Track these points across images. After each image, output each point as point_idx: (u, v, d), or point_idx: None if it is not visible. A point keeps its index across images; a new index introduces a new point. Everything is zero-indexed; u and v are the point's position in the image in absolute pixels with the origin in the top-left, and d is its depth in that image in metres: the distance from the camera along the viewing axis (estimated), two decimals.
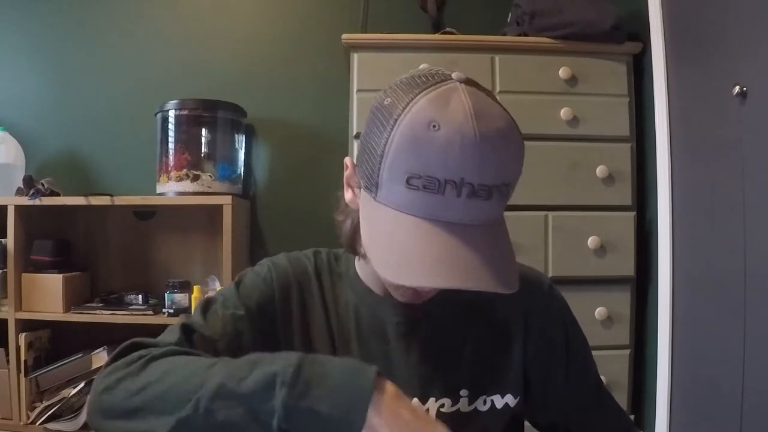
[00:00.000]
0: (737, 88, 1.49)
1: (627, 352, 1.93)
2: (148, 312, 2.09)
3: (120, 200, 2.11)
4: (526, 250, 1.88)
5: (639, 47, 1.99)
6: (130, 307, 2.11)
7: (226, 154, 2.24)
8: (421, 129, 0.62)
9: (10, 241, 2.06)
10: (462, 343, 0.82)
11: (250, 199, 2.40)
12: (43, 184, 2.07)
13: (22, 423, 2.02)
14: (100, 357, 2.09)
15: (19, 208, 2.07)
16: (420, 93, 0.64)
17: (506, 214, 0.69)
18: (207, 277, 2.18)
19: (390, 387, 0.60)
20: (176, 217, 2.32)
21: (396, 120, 0.63)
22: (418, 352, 0.80)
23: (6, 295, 2.06)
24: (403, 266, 0.63)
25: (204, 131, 2.21)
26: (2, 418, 2.04)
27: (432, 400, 0.79)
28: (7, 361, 2.03)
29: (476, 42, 1.98)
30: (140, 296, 2.14)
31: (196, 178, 2.14)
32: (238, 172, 2.29)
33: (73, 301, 2.12)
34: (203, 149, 2.20)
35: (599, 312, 1.90)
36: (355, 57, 1.96)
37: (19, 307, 2.07)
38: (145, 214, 2.34)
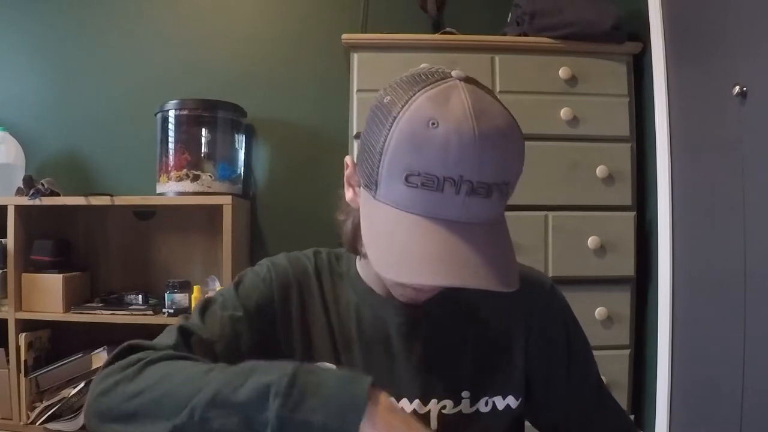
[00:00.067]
0: (737, 88, 1.49)
1: (627, 352, 1.93)
2: (148, 312, 2.09)
3: (120, 200, 2.11)
4: (526, 250, 1.88)
5: (639, 47, 1.99)
6: (130, 307, 2.11)
7: (226, 154, 2.24)
8: (420, 126, 0.62)
9: (10, 241, 2.06)
10: (464, 344, 0.82)
11: (250, 199, 2.40)
12: (43, 184, 2.07)
13: (22, 423, 2.02)
14: (100, 357, 2.09)
15: (19, 208, 2.07)
16: (419, 91, 0.64)
17: (506, 214, 0.69)
18: (207, 277, 2.18)
19: (384, 398, 0.60)
20: (176, 217, 2.32)
21: (395, 118, 0.63)
22: (419, 353, 0.80)
23: (6, 295, 2.06)
24: (403, 264, 0.63)
25: (204, 131, 2.21)
26: (2, 418, 2.04)
27: (434, 401, 0.79)
28: (7, 361, 2.03)
29: (476, 42, 1.98)
30: (140, 296, 2.14)
31: (196, 178, 2.14)
32: (238, 172, 2.29)
33: (73, 301, 2.12)
34: (203, 149, 2.20)
35: (599, 312, 1.90)
36: (355, 57, 1.96)
37: (19, 307, 2.07)
38: (145, 214, 2.34)
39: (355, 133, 1.93)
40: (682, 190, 1.82)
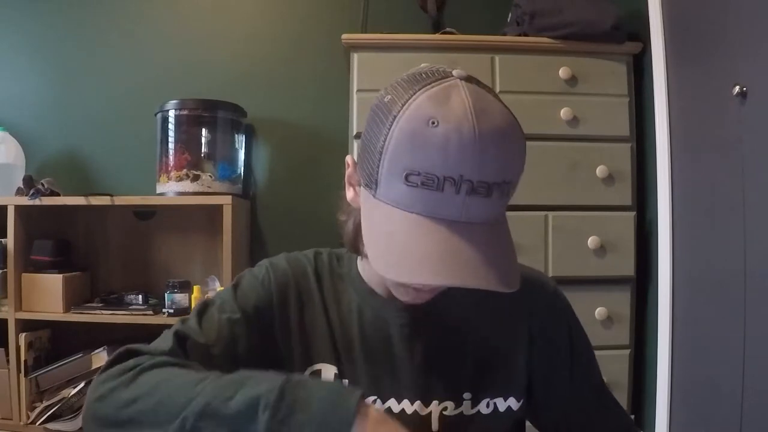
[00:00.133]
0: (737, 88, 1.49)
1: (627, 352, 1.93)
2: (148, 312, 2.09)
3: (120, 200, 2.11)
4: (526, 250, 1.88)
5: (639, 47, 1.99)
6: (130, 307, 2.11)
7: (226, 154, 2.24)
8: (419, 125, 0.61)
9: (10, 241, 2.06)
10: (465, 345, 0.81)
11: (250, 199, 2.40)
12: (43, 184, 2.07)
13: (22, 423, 2.02)
14: (100, 357, 2.09)
15: (19, 208, 2.07)
16: (420, 90, 0.64)
17: (507, 214, 0.69)
18: (207, 277, 2.18)
19: (373, 412, 0.60)
20: (176, 217, 2.32)
21: (395, 116, 0.63)
22: (421, 354, 0.80)
23: (6, 295, 2.06)
24: (403, 264, 0.62)
25: (204, 131, 2.21)
26: (2, 418, 2.04)
27: (435, 402, 0.79)
28: (7, 361, 2.03)
29: (476, 42, 1.98)
30: (140, 296, 2.14)
31: (196, 178, 2.14)
32: (238, 172, 2.29)
33: (73, 301, 2.12)
34: (203, 149, 2.20)
35: (599, 312, 1.90)
36: (355, 57, 1.96)
37: (19, 307, 2.07)
38: (145, 214, 2.34)
39: (355, 133, 1.93)
40: (682, 190, 1.82)
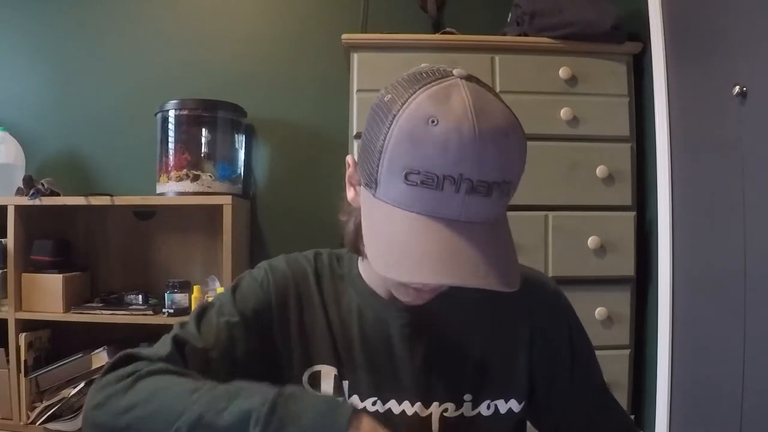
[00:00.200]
0: (737, 88, 1.49)
1: (627, 352, 1.93)
2: (148, 312, 2.09)
3: (120, 200, 2.11)
4: (526, 250, 1.88)
5: (639, 47, 1.99)
6: (130, 307, 2.11)
7: (226, 154, 2.24)
8: (419, 124, 0.61)
9: (10, 241, 2.06)
10: (466, 347, 0.81)
11: (250, 199, 2.40)
12: (43, 184, 2.07)
13: (22, 423, 2.02)
14: (100, 357, 2.09)
15: (19, 208, 2.07)
16: (420, 89, 0.64)
17: (507, 214, 0.69)
18: (207, 277, 2.18)
19: (366, 423, 0.60)
20: (176, 217, 2.32)
21: (395, 115, 0.63)
22: (422, 355, 0.79)
23: (6, 295, 2.06)
24: (403, 264, 0.62)
25: (204, 131, 2.21)
26: (2, 418, 2.04)
27: (435, 404, 0.79)
28: (7, 361, 2.03)
29: (476, 42, 1.98)
30: (140, 296, 2.14)
31: (196, 178, 2.14)
32: (238, 172, 2.29)
33: (73, 301, 2.12)
34: (203, 149, 2.20)
35: (599, 312, 1.90)
36: (355, 57, 1.96)
37: (19, 307, 2.07)
38: (145, 214, 2.34)
39: (355, 133, 1.93)
40: (682, 190, 1.82)
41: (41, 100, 2.40)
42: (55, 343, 2.20)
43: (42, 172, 2.28)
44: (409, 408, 0.78)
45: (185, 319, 0.79)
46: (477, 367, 0.81)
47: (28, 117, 2.38)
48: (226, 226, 2.05)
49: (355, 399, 0.79)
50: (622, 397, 1.89)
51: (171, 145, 2.18)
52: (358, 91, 1.94)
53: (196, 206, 2.20)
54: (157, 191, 2.20)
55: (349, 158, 0.75)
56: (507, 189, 0.64)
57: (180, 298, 2.07)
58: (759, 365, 1.43)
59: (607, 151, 1.95)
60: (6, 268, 2.06)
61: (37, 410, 2.02)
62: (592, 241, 1.91)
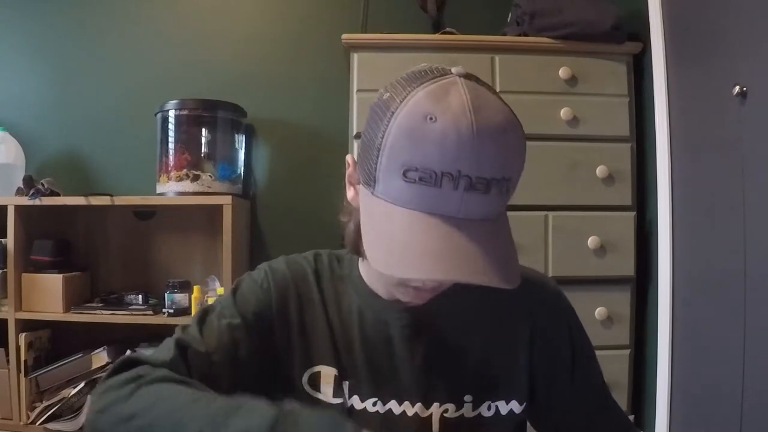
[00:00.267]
0: (737, 88, 1.49)
1: (627, 352, 1.93)
2: (148, 312, 2.09)
3: (120, 200, 2.11)
4: (526, 250, 1.88)
5: (639, 47, 1.99)
6: (130, 307, 2.11)
7: (226, 154, 2.24)
8: (417, 121, 0.61)
9: (10, 241, 2.06)
10: (467, 348, 0.81)
11: (250, 199, 2.40)
12: (43, 184, 2.07)
13: (22, 423, 2.02)
14: (100, 357, 2.09)
15: (19, 208, 2.07)
16: (418, 86, 0.64)
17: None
18: (207, 277, 2.18)
19: None
20: (176, 217, 2.32)
21: (393, 112, 0.63)
22: (422, 356, 0.79)
23: (6, 295, 2.06)
24: (401, 259, 0.62)
25: (204, 131, 2.21)
26: (2, 418, 2.04)
27: (436, 405, 0.79)
28: (7, 361, 2.03)
29: (476, 42, 1.98)
30: (140, 296, 2.14)
31: (196, 178, 2.14)
32: (238, 172, 2.29)
33: (73, 301, 2.12)
34: (203, 149, 2.20)
35: (599, 312, 1.90)
36: (355, 57, 1.96)
37: (19, 307, 2.07)
38: (145, 214, 2.34)
39: (355, 133, 1.93)
40: (682, 190, 1.82)
41: (41, 100, 2.40)
42: (55, 343, 2.20)
43: (42, 172, 2.28)
44: (409, 409, 0.78)
45: (187, 322, 0.79)
46: (477, 368, 0.81)
47: (28, 117, 2.38)
48: (226, 226, 2.05)
49: (355, 399, 0.78)
50: (622, 397, 1.89)
51: (171, 145, 2.18)
52: (358, 91, 1.94)
53: (196, 206, 2.20)
54: (157, 191, 2.20)
55: (348, 158, 0.75)
56: (506, 186, 0.64)
57: (180, 298, 2.08)
58: (759, 365, 1.43)
59: (607, 151, 1.95)
60: (6, 268, 2.06)
61: (37, 410, 2.02)
62: (592, 241, 1.91)
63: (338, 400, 0.78)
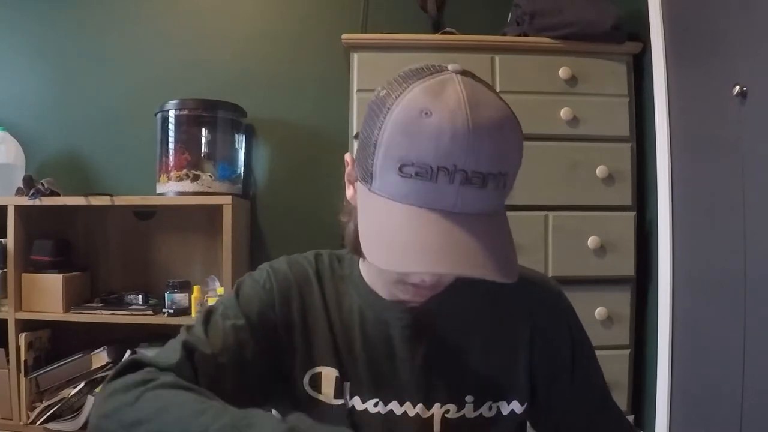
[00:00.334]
0: (737, 88, 1.49)
1: (627, 352, 1.93)
2: (148, 312, 2.09)
3: (120, 200, 2.11)
4: (526, 250, 1.88)
5: (639, 47, 1.99)
6: (130, 307, 2.11)
7: (226, 154, 2.24)
8: (413, 116, 0.61)
9: (10, 241, 2.06)
10: (468, 348, 0.81)
11: (250, 199, 2.40)
12: (43, 184, 2.07)
13: (22, 423, 2.02)
14: (100, 357, 2.09)
15: (19, 208, 2.07)
16: (414, 83, 0.64)
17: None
18: (207, 277, 2.18)
19: None
20: (176, 217, 2.32)
21: (389, 108, 0.63)
22: (423, 356, 0.79)
23: (6, 295, 2.06)
24: (399, 254, 0.62)
25: (204, 131, 2.22)
26: (2, 418, 2.04)
27: (437, 405, 0.78)
28: (7, 361, 2.03)
29: (476, 42, 1.98)
30: (140, 296, 2.14)
31: (196, 178, 2.14)
32: (238, 172, 2.29)
33: (73, 301, 2.12)
34: (203, 149, 2.20)
35: (599, 312, 1.90)
36: (355, 57, 1.96)
37: (19, 307, 2.07)
38: (145, 214, 2.34)
39: (355, 133, 1.93)
40: (682, 190, 1.82)
41: (41, 100, 2.40)
42: (55, 343, 2.20)
43: (42, 172, 2.28)
44: (410, 409, 0.78)
45: (188, 322, 0.78)
46: (478, 369, 0.80)
47: (28, 117, 2.38)
48: (226, 226, 2.05)
49: (356, 400, 0.78)
50: (622, 397, 1.89)
51: (171, 145, 2.18)
52: (358, 91, 1.94)
53: (196, 206, 2.20)
54: (157, 191, 2.20)
55: (347, 156, 0.74)
56: (503, 181, 0.63)
57: (180, 298, 2.07)
58: (759, 365, 1.43)
59: (607, 151, 1.95)
60: (6, 268, 2.06)
61: (37, 410, 2.02)
62: (592, 241, 1.91)
63: (339, 402, 0.78)
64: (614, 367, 1.90)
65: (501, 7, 2.25)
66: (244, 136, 2.34)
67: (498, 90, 0.68)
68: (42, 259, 2.12)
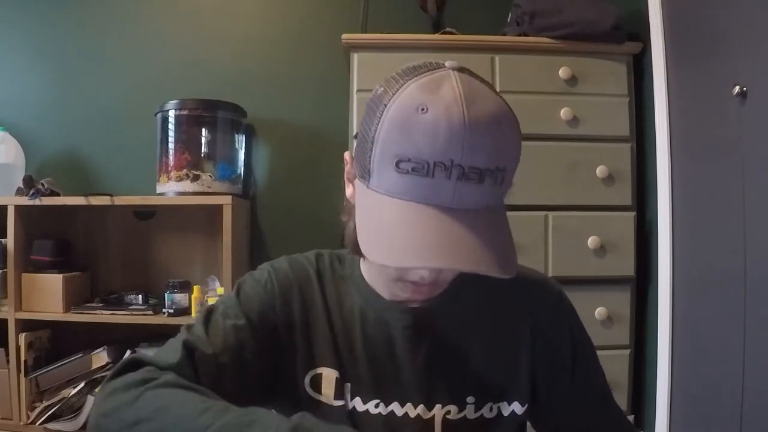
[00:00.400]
0: (737, 88, 1.49)
1: (627, 352, 1.93)
2: (148, 312, 2.09)
3: (120, 200, 2.11)
4: (526, 250, 1.88)
5: (639, 47, 1.99)
6: (130, 307, 2.11)
7: (226, 154, 2.24)
8: (409, 112, 0.62)
9: (10, 241, 2.06)
10: (468, 348, 0.81)
11: (250, 199, 2.40)
12: (43, 184, 2.07)
13: (22, 423, 2.02)
14: (100, 357, 2.09)
15: (19, 208, 2.07)
16: (411, 79, 0.64)
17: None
18: (207, 277, 2.18)
19: None
20: (176, 217, 2.32)
21: (386, 105, 0.63)
22: (424, 357, 0.79)
23: (6, 295, 2.06)
24: (395, 248, 0.62)
25: (204, 131, 2.21)
26: (2, 418, 2.04)
27: (438, 406, 0.78)
28: (7, 361, 2.03)
29: (476, 42, 1.98)
30: (140, 296, 2.14)
31: (196, 178, 2.14)
32: (238, 172, 2.29)
33: (73, 301, 2.12)
34: (203, 149, 2.20)
35: (599, 312, 1.90)
36: (355, 57, 1.96)
37: (19, 307, 2.07)
38: (145, 214, 2.34)
39: (354, 133, 1.93)
40: (682, 190, 1.82)
41: (41, 100, 2.40)
42: (55, 343, 2.20)
43: (42, 172, 2.28)
44: (411, 410, 0.78)
45: (188, 322, 0.78)
46: (479, 369, 0.80)
47: (28, 117, 2.38)
48: (226, 226, 2.05)
49: (357, 401, 0.78)
50: (622, 397, 1.89)
51: (171, 145, 2.18)
52: (358, 91, 1.94)
53: (196, 206, 2.20)
54: (157, 191, 2.20)
55: (346, 155, 0.74)
56: (501, 176, 0.63)
57: (180, 298, 2.07)
58: (759, 365, 1.43)
59: (607, 151, 1.95)
60: (6, 268, 2.06)
61: (37, 410, 2.02)
62: (592, 241, 1.91)
63: (340, 402, 0.78)
64: (614, 367, 1.90)
65: (501, 7, 2.25)
66: (244, 136, 2.34)
67: (498, 90, 0.68)
68: (42, 259, 2.12)
